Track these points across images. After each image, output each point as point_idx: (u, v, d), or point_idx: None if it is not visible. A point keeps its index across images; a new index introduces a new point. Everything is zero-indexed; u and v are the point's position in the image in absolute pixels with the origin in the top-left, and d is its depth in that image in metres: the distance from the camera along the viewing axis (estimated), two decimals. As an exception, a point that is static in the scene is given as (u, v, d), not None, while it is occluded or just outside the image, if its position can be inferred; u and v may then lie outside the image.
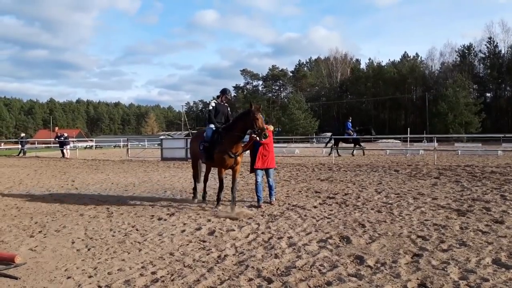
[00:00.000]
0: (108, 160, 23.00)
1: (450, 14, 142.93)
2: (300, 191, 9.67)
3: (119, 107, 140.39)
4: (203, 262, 4.55)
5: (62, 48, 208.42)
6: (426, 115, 65.30)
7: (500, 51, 70.43)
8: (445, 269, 4.09)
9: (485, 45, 71.44)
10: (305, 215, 6.92)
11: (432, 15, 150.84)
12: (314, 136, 55.41)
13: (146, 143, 44.26)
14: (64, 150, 26.60)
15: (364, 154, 22.73)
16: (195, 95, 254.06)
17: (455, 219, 6.41)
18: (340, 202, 8.14)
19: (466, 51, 74.20)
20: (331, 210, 7.35)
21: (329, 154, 22.50)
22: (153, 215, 7.17)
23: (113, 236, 5.82)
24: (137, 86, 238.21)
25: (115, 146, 48.78)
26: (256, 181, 7.96)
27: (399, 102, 78.22)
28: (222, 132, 7.56)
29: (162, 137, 36.42)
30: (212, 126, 7.80)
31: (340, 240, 5.34)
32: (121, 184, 11.83)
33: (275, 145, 41.03)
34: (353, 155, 22.78)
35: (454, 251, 4.70)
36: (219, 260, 4.59)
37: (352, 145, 23.17)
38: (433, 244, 5.03)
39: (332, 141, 23.69)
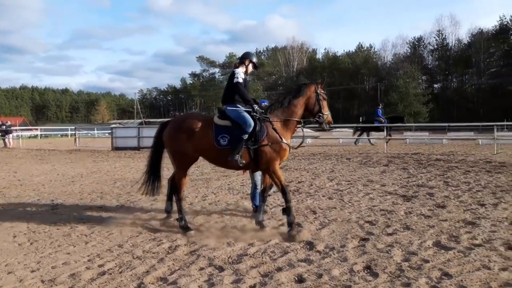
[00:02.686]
0: (55, 150, 21.94)
1: (402, 6, 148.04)
2: (255, 180, 9.72)
3: (67, 94, 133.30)
4: (154, 253, 4.46)
5: (6, 30, 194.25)
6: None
7: (448, 43, 74.02)
8: (389, 252, 4.28)
9: (434, 37, 74.85)
10: (258, 203, 6.96)
11: (385, 7, 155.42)
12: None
13: (96, 131, 42.59)
14: (6, 140, 25.14)
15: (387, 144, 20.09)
16: (149, 82, 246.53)
17: (401, 204, 6.71)
18: (294, 189, 8.26)
19: (417, 43, 77.26)
20: (282, 201, 7.42)
21: (356, 144, 21.63)
22: (101, 207, 6.92)
23: (57, 229, 5.55)
24: (86, 72, 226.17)
25: (62, 135, 46.53)
26: (254, 185, 6.07)
27: (353, 92, 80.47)
28: (265, 116, 5.26)
29: (113, 125, 35.18)
30: (240, 107, 5.29)
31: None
32: (68, 175, 11.31)
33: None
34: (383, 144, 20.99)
35: (399, 235, 4.92)
36: (170, 251, 4.52)
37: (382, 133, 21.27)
38: (379, 228, 5.24)
39: (360, 131, 22.52)
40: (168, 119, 7.20)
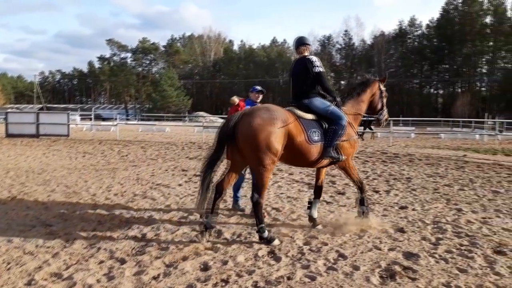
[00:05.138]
0: None
1: (314, 5, 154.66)
2: (167, 170, 9.50)
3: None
4: (48, 247, 4.11)
5: None
6: (291, 99, 70.50)
7: (354, 43, 79.87)
8: (293, 237, 4.50)
9: (342, 37, 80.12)
10: (168, 194, 6.82)
11: (298, 4, 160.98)
12: (187, 115, 54.95)
13: (-12, 117, 37.91)
14: None
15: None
16: (51, 65, 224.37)
17: (306, 192, 7.07)
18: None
19: (326, 41, 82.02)
20: (196, 188, 7.36)
21: None
22: (-11, 199, 6.20)
23: None
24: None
25: None
26: (243, 178, 5.87)
27: (268, 85, 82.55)
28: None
29: (9, 110, 31.60)
30: (326, 102, 4.81)
31: (201, 216, 5.39)
32: (-51, 164, 9.92)
33: (144, 123, 38.47)
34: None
35: (302, 220, 5.19)
36: (66, 245, 4.20)
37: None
38: (285, 214, 5.48)
39: None
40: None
